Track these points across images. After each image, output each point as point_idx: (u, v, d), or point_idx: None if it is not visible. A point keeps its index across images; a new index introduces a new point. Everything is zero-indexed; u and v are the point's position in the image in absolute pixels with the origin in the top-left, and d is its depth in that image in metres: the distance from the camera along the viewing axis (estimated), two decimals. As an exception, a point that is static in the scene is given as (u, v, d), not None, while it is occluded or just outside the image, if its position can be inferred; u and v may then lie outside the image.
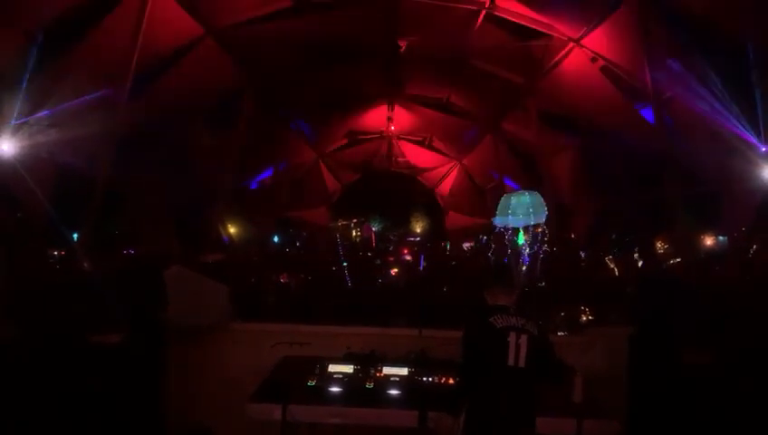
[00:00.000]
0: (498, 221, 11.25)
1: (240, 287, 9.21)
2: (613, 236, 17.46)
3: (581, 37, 12.70)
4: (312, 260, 17.06)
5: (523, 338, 3.50)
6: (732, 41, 10.11)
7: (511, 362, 3.47)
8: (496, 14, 12.66)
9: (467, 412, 3.48)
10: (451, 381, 4.29)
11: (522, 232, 11.37)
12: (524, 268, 11.17)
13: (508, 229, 11.38)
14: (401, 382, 4.36)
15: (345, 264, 15.78)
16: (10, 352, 4.29)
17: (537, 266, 11.37)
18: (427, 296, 10.27)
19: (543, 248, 11.46)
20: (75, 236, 10.88)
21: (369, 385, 4.33)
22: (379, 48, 14.82)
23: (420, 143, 24.44)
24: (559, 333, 7.12)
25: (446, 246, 24.22)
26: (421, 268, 15.81)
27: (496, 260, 10.51)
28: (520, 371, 3.48)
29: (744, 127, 9.91)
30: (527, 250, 11.28)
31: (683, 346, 4.45)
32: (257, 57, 14.46)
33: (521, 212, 10.49)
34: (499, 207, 10.96)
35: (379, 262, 17.80)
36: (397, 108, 20.69)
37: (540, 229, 11.16)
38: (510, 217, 10.65)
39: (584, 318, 9.15)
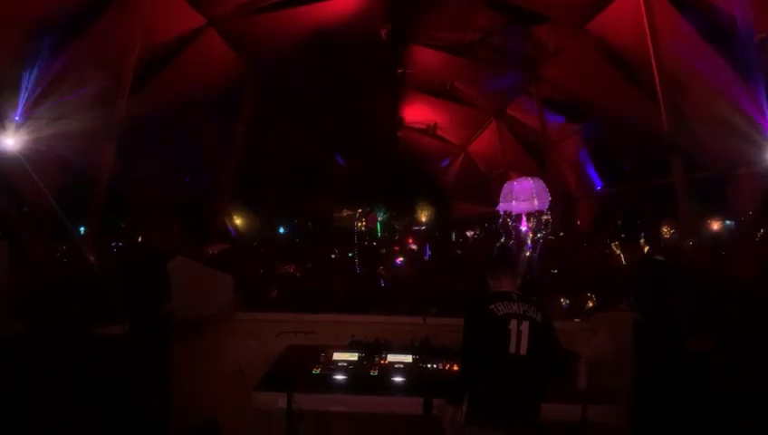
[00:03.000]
0: (502, 207, 11.19)
1: (245, 278, 9.24)
2: (619, 223, 17.42)
3: (586, 22, 12.59)
4: (318, 250, 17.09)
5: (525, 325, 3.48)
6: (738, 25, 9.99)
7: (512, 349, 3.45)
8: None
9: (469, 401, 3.48)
10: (455, 368, 4.29)
11: (525, 218, 11.32)
12: (528, 255, 11.13)
13: (511, 215, 11.33)
14: (406, 370, 4.37)
15: (352, 254, 15.84)
16: (13, 346, 4.32)
17: (541, 253, 11.32)
18: (433, 286, 10.27)
19: (547, 235, 11.40)
20: (82, 229, 10.95)
21: (374, 373, 4.33)
22: (382, 37, 14.76)
23: (424, 132, 24.38)
24: (577, 320, 7.10)
25: (451, 235, 24.19)
26: (427, 257, 15.77)
27: (500, 245, 10.47)
28: (521, 358, 3.46)
29: (751, 110, 9.80)
30: (530, 237, 11.23)
31: (686, 332, 4.43)
32: (260, 48, 14.43)
33: (524, 198, 10.44)
34: (502, 193, 10.88)
35: (384, 251, 17.83)
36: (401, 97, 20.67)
37: (544, 216, 11.10)
38: (513, 202, 10.60)
39: (588, 304, 9.13)
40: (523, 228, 10.98)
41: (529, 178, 10.77)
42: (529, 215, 10.85)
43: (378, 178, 26.81)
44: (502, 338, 3.46)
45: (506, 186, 10.92)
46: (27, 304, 5.01)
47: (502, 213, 11.11)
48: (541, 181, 10.69)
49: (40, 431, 4.29)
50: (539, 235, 10.99)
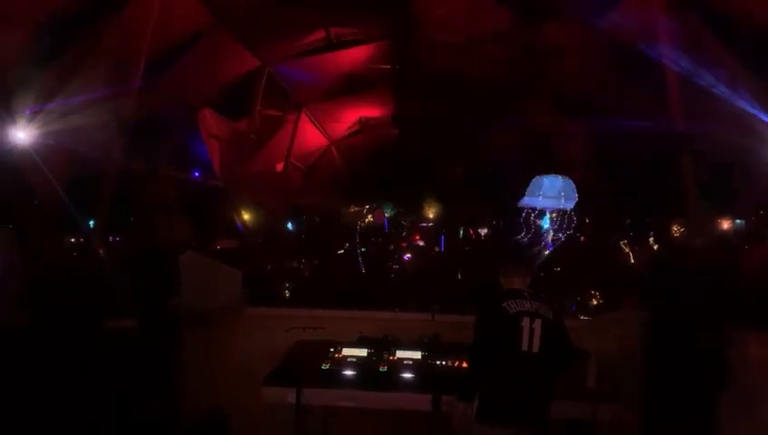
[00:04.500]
0: (526, 202, 11.02)
1: (254, 273, 9.25)
2: (628, 221, 17.28)
3: (596, 19, 12.49)
4: (325, 246, 17.11)
5: (537, 323, 3.46)
6: (751, 22, 9.91)
7: (524, 347, 3.43)
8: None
9: (480, 398, 3.46)
10: (465, 364, 4.27)
11: (547, 216, 11.22)
12: (546, 253, 11.04)
13: (534, 211, 11.23)
14: (414, 366, 4.36)
15: (363, 250, 15.86)
16: (24, 338, 4.35)
17: (558, 252, 11.24)
18: (442, 282, 10.28)
19: (567, 234, 11.30)
20: (92, 223, 11.00)
21: (383, 369, 4.33)
22: (388, 33, 14.67)
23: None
24: (582, 317, 7.10)
25: (459, 232, 24.10)
26: (443, 249, 15.75)
27: (515, 243, 10.42)
28: (533, 356, 3.44)
29: (763, 108, 9.72)
30: (551, 235, 11.12)
31: (696, 331, 4.41)
32: (269, 43, 14.39)
33: (552, 195, 10.30)
34: (530, 187, 10.69)
35: (392, 247, 17.85)
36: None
37: (566, 216, 10.98)
38: (540, 198, 10.46)
39: (595, 302, 9.11)
40: (546, 225, 10.88)
41: (559, 176, 10.64)
42: (553, 212, 10.75)
43: (385, 174, 26.73)
44: (514, 336, 3.44)
45: (535, 181, 10.73)
46: (34, 296, 5.03)
47: (526, 207, 10.98)
48: (570, 180, 10.56)
49: (48, 422, 4.32)
50: (561, 234, 10.89)
